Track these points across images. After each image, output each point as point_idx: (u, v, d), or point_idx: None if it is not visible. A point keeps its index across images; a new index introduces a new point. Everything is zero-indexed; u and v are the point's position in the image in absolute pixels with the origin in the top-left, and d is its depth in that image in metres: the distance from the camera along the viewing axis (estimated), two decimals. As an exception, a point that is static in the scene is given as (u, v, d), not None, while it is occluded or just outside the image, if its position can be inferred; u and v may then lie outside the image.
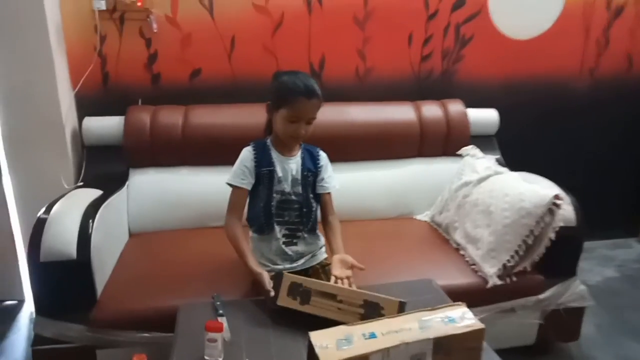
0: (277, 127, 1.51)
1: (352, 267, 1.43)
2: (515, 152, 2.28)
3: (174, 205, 2.03)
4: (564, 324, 1.83)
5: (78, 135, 2.10)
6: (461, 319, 1.11)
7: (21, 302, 2.15)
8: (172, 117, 2.06)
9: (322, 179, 1.59)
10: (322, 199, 1.61)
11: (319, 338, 1.05)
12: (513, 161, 2.19)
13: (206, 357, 1.15)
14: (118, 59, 2.12)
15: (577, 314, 1.84)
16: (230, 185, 1.54)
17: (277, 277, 1.34)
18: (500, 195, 1.75)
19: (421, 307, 1.22)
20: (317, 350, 1.01)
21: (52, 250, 1.48)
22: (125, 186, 2.01)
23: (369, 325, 1.10)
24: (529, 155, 2.28)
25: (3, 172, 2.04)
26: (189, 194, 2.04)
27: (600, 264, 2.57)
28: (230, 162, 1.59)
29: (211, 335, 1.14)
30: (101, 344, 1.52)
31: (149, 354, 1.45)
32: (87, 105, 2.12)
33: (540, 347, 1.85)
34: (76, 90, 2.06)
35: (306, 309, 1.29)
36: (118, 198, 1.91)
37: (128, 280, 1.65)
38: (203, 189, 2.05)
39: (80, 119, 2.09)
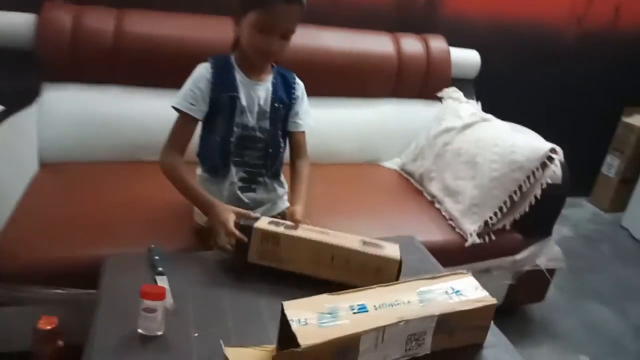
0: (244, 38, 1.16)
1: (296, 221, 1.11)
2: (492, 99, 2.09)
3: (100, 133, 1.66)
4: (533, 285, 1.73)
5: (-27, 33, 1.63)
6: (468, 291, 0.92)
7: None
8: (101, 21, 1.64)
9: (297, 114, 1.28)
10: (293, 139, 1.30)
11: (296, 310, 0.81)
12: (489, 108, 2.00)
13: (140, 331, 0.87)
14: None
15: (548, 274, 1.74)
16: (176, 109, 1.20)
17: (243, 229, 1.05)
18: (489, 146, 1.55)
19: (405, 270, 1.03)
20: (294, 327, 0.77)
21: None
22: (36, 103, 1.60)
23: (357, 295, 0.88)
24: (504, 103, 2.10)
25: None
26: (120, 119, 1.67)
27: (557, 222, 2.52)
28: (174, 84, 1.25)
29: (149, 303, 0.86)
30: (1, 301, 1.19)
31: (60, 314, 1.15)
32: (-15, -4, 1.65)
33: (506, 309, 1.73)
34: (-32, -29, 1.58)
35: (284, 266, 1.04)
36: (24, 117, 1.52)
37: (36, 223, 1.30)
38: (138, 115, 1.69)
39: (-21, 14, 1.61)
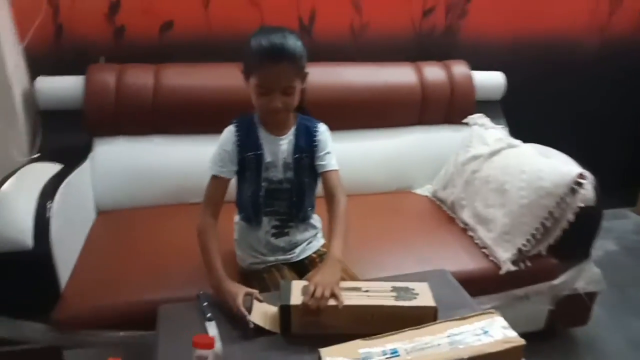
0: (253, 101, 1.24)
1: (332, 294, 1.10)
2: (519, 118, 2.10)
3: (147, 180, 1.79)
4: (574, 308, 1.72)
5: (31, 98, 1.79)
6: (496, 331, 0.95)
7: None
8: (140, 77, 1.78)
9: (319, 157, 1.32)
10: (323, 180, 1.34)
11: (332, 356, 0.88)
12: (517, 128, 2.01)
13: (195, 376, 0.96)
14: (73, 8, 1.80)
15: (588, 298, 1.73)
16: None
17: (282, 309, 1.09)
18: (516, 172, 1.57)
19: (438, 306, 1.08)
20: (331, 374, 0.84)
21: (4, 239, 1.24)
22: (89, 158, 1.75)
23: (389, 339, 0.93)
24: (533, 121, 2.12)
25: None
26: (164, 167, 1.80)
27: (599, 236, 2.48)
28: (210, 130, 1.36)
29: (200, 352, 0.95)
30: (68, 344, 1.33)
31: (123, 354, 1.26)
32: (39, 63, 1.81)
33: (549, 332, 1.74)
34: (24, 44, 1.75)
35: (327, 330, 1.08)
36: (81, 172, 1.66)
37: (96, 271, 1.43)
38: (179, 161, 1.81)
39: (32, 79, 1.78)
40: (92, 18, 1.82)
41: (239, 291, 1.14)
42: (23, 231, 1.26)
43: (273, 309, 1.12)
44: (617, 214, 2.68)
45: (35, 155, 1.69)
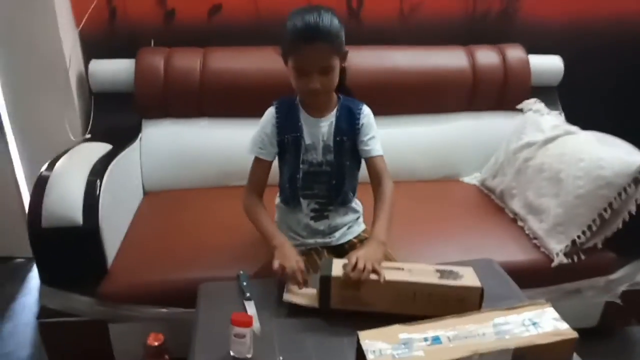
0: (292, 82, 1.23)
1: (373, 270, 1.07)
2: (578, 106, 1.98)
3: (193, 162, 1.82)
4: (632, 305, 1.61)
5: (85, 80, 1.86)
6: (546, 323, 0.90)
7: (31, 259, 2.00)
8: (188, 60, 1.81)
9: (362, 141, 1.29)
10: (368, 166, 1.31)
11: (371, 341, 0.85)
12: (575, 118, 1.89)
13: (232, 354, 0.96)
14: (126, -9, 1.84)
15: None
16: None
17: (322, 280, 1.07)
18: (573, 161, 1.48)
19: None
20: (369, 357, 0.82)
21: (55, 215, 1.29)
22: (138, 139, 1.80)
23: (431, 326, 0.90)
24: (592, 109, 1.98)
25: (5, 122, 1.84)
26: (209, 149, 1.82)
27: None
28: (256, 113, 1.35)
29: (238, 330, 0.95)
30: (113, 319, 1.37)
31: (165, 330, 1.28)
32: (93, 46, 1.89)
33: (603, 330, 1.64)
34: (80, 27, 1.81)
35: (367, 308, 1.06)
36: (130, 153, 1.71)
37: (142, 248, 1.47)
38: (225, 144, 1.82)
39: (86, 63, 1.85)
40: (143, 1, 1.86)
41: (296, 256, 1.15)
42: (73, 208, 1.30)
43: (311, 290, 1.11)
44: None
45: (87, 136, 1.76)
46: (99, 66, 1.82)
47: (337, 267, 1.09)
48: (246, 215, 1.30)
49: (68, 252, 1.32)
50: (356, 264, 1.05)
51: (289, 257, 1.14)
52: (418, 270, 1.08)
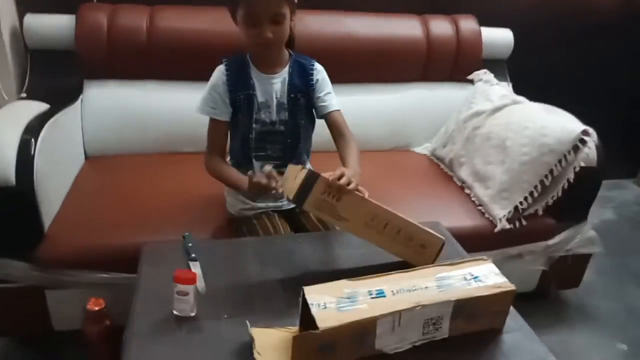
0: (242, 36, 1.19)
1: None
2: (526, 79, 2.03)
3: (138, 126, 1.74)
4: (567, 270, 1.70)
5: (19, 35, 1.73)
6: (487, 277, 0.93)
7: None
8: (134, 18, 1.72)
9: (319, 98, 1.27)
10: (328, 121, 1.28)
11: (316, 295, 0.85)
12: (522, 89, 1.94)
13: (175, 312, 0.94)
14: (65, -61, 1.71)
15: (582, 260, 1.71)
16: (204, 114, 1.26)
17: (309, 175, 1.01)
18: (519, 129, 1.52)
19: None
20: (314, 310, 0.81)
21: (-14, 175, 1.20)
22: (79, 100, 1.70)
23: (375, 281, 0.90)
24: (540, 83, 2.04)
25: None
26: (156, 113, 1.75)
27: (597, 204, 2.44)
28: (205, 76, 1.30)
29: (181, 287, 0.92)
30: (51, 284, 1.31)
31: (106, 296, 1.26)
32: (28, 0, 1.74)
33: (540, 294, 1.72)
34: (13, -23, 1.68)
35: (337, 223, 1.05)
36: (70, 114, 1.62)
37: (82, 212, 1.40)
38: (172, 108, 1.76)
39: (21, 16, 1.71)
40: (84, -48, 1.74)
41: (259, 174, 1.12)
42: (5, 167, 1.22)
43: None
44: (618, 185, 2.64)
45: (23, 95, 1.64)
46: (35, 20, 1.69)
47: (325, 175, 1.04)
48: (211, 176, 1.26)
49: (1, 214, 1.24)
50: (342, 174, 1.02)
51: (257, 180, 1.11)
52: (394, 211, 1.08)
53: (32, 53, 1.72)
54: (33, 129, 1.33)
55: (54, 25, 1.69)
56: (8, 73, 1.68)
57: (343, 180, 1.01)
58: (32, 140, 1.29)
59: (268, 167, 1.11)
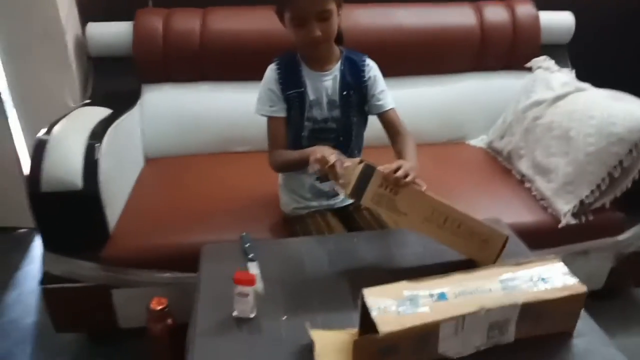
0: (292, 37, 1.19)
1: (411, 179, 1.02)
2: (589, 64, 1.91)
3: (194, 127, 1.79)
4: (638, 267, 1.59)
5: (82, 44, 1.82)
6: (556, 278, 0.88)
7: (34, 229, 2.00)
8: (188, 21, 1.76)
9: (373, 96, 1.26)
10: (383, 120, 1.27)
11: (375, 297, 0.83)
12: (586, 76, 1.83)
13: (235, 313, 0.95)
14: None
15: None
16: (262, 115, 1.27)
17: (365, 169, 1.01)
18: (584, 118, 1.44)
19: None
20: (374, 314, 0.80)
21: (54, 179, 1.27)
22: (138, 104, 1.76)
23: (436, 283, 0.88)
24: (604, 68, 1.91)
25: (3, 91, 1.81)
26: (211, 114, 1.79)
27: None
28: (258, 77, 1.31)
29: (241, 289, 0.93)
30: (116, 283, 1.36)
31: (169, 294, 1.30)
32: (90, 9, 1.83)
33: (609, 292, 1.63)
34: (75, -11, 1.76)
35: (396, 217, 1.03)
36: (130, 118, 1.67)
37: (144, 213, 1.45)
38: (226, 109, 1.79)
39: (83, 26, 1.80)
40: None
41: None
42: (73, 171, 1.28)
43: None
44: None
45: (87, 101, 1.72)
46: (96, 29, 1.77)
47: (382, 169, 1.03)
48: (279, 171, 1.27)
49: (69, 216, 1.31)
50: (400, 167, 1.01)
51: (321, 149, 1.09)
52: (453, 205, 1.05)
53: (94, 60, 1.80)
54: (97, 134, 1.39)
55: (113, 33, 1.76)
56: (73, 80, 1.77)
57: (400, 173, 0.99)
58: (97, 145, 1.35)
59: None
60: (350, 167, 1.03)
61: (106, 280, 1.34)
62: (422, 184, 1.03)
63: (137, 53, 1.74)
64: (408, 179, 1.00)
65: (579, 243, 1.48)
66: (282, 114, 1.26)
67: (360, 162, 1.03)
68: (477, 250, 1.03)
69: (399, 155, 1.19)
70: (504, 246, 1.03)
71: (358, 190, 1.01)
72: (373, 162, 1.03)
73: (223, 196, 1.51)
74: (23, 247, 1.93)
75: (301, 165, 1.17)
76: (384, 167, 1.01)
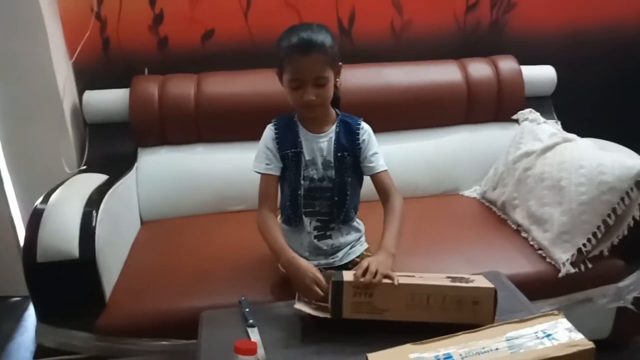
0: (288, 98, 1.24)
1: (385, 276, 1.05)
2: (573, 115, 1.98)
3: (190, 189, 1.80)
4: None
5: (79, 111, 1.86)
6: (560, 334, 0.87)
7: (27, 298, 1.96)
8: (182, 87, 1.81)
9: (365, 158, 1.29)
10: (375, 182, 1.31)
11: (380, 363, 0.82)
12: (571, 126, 1.89)
13: (237, 383, 0.93)
14: (119, 21, 1.86)
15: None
16: (257, 172, 1.29)
17: (335, 286, 1.05)
18: (574, 168, 1.47)
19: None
20: (380, 380, 0.78)
21: (51, 249, 1.26)
22: (134, 168, 1.78)
23: (441, 344, 0.87)
24: (588, 118, 1.98)
25: (-1, 155, 1.83)
26: (206, 175, 1.80)
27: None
28: (253, 137, 1.34)
29: (243, 358, 0.92)
30: (112, 354, 1.31)
31: (167, 363, 1.26)
32: (87, 77, 1.89)
33: (616, 341, 1.60)
34: (74, 59, 1.81)
35: (380, 316, 1.04)
36: (126, 182, 1.69)
37: (140, 279, 1.43)
38: (222, 169, 1.81)
39: (80, 93, 1.84)
40: (137, 30, 1.88)
41: (311, 267, 1.15)
42: (69, 241, 1.27)
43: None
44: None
45: (83, 167, 1.74)
46: (93, 97, 1.81)
47: (349, 275, 1.07)
48: (259, 232, 1.27)
49: (64, 286, 1.29)
50: (367, 268, 1.04)
51: (303, 270, 1.13)
52: (430, 277, 1.07)
53: (90, 126, 1.83)
54: (94, 201, 1.40)
55: (109, 100, 1.81)
56: (69, 147, 1.79)
57: (367, 277, 1.02)
58: (94, 212, 1.35)
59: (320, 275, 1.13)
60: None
61: (102, 351, 1.30)
62: (393, 275, 1.05)
63: (134, 118, 1.78)
64: (376, 278, 1.02)
65: (581, 292, 1.46)
66: (276, 172, 1.28)
67: (329, 278, 1.06)
68: (471, 314, 1.01)
69: (383, 231, 1.22)
70: (495, 300, 1.02)
71: (336, 308, 1.04)
72: (340, 275, 1.06)
73: (220, 257, 1.50)
74: (16, 316, 1.89)
75: (274, 255, 1.23)
76: (351, 276, 1.05)
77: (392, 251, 1.16)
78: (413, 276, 1.07)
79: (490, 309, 1.02)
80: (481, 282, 1.05)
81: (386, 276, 1.04)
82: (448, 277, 1.06)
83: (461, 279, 1.05)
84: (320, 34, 1.18)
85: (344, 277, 1.05)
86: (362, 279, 1.03)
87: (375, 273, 1.03)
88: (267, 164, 1.27)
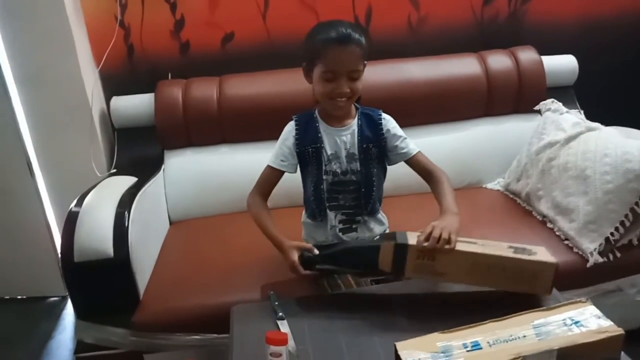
0: (316, 91, 1.25)
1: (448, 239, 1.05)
2: (596, 104, 1.95)
3: (216, 188, 1.84)
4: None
5: (107, 117, 1.92)
6: (589, 321, 0.87)
7: (64, 297, 2.04)
8: (205, 89, 1.85)
9: (395, 147, 1.30)
10: (413, 165, 1.32)
11: (409, 351, 0.84)
12: (594, 114, 1.86)
13: (269, 374, 0.95)
14: (142, 28, 1.91)
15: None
16: (269, 166, 1.33)
17: (398, 248, 1.06)
18: (598, 156, 1.45)
19: (520, 298, 1.01)
20: (408, 368, 0.80)
21: (87, 249, 1.32)
22: (162, 170, 1.83)
23: (469, 332, 0.88)
24: (611, 106, 1.95)
25: (32, 162, 1.90)
26: (231, 175, 1.84)
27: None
28: (274, 136, 1.37)
29: (274, 349, 0.94)
30: (148, 349, 1.37)
31: (200, 356, 1.30)
32: (113, 84, 1.95)
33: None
34: (100, 67, 1.87)
35: (440, 278, 1.07)
36: (155, 184, 1.74)
37: (172, 277, 1.48)
38: (246, 168, 1.78)
39: (107, 100, 1.91)
40: (159, 36, 1.93)
41: (293, 248, 1.20)
42: (104, 241, 1.33)
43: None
44: None
45: (113, 171, 1.80)
46: (120, 103, 1.87)
47: (413, 236, 1.08)
48: (249, 213, 1.32)
49: (100, 284, 1.35)
50: (431, 232, 1.05)
51: (285, 255, 1.21)
52: (492, 245, 1.08)
53: (118, 131, 1.89)
54: (125, 202, 1.45)
55: (136, 105, 1.87)
56: (99, 152, 1.86)
57: (430, 243, 1.04)
58: (126, 213, 1.40)
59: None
60: (385, 247, 1.08)
61: (138, 346, 1.36)
62: (454, 240, 1.05)
63: (160, 121, 1.83)
64: (440, 243, 1.03)
65: (610, 281, 1.45)
66: (287, 169, 1.31)
67: (392, 240, 1.07)
68: (529, 286, 1.04)
69: (437, 199, 1.24)
70: (556, 273, 1.03)
71: (397, 268, 1.07)
72: (404, 236, 1.08)
73: (248, 253, 1.53)
74: (54, 315, 1.96)
75: (269, 238, 1.28)
76: (415, 238, 1.06)
77: (455, 210, 1.17)
78: (475, 243, 1.08)
79: (549, 282, 1.03)
80: (543, 255, 1.05)
81: (449, 240, 1.04)
82: (510, 247, 1.07)
83: (523, 250, 1.06)
84: (357, 29, 1.20)
85: (408, 240, 1.06)
86: (425, 244, 1.04)
87: (439, 239, 1.04)
88: (282, 161, 1.30)
